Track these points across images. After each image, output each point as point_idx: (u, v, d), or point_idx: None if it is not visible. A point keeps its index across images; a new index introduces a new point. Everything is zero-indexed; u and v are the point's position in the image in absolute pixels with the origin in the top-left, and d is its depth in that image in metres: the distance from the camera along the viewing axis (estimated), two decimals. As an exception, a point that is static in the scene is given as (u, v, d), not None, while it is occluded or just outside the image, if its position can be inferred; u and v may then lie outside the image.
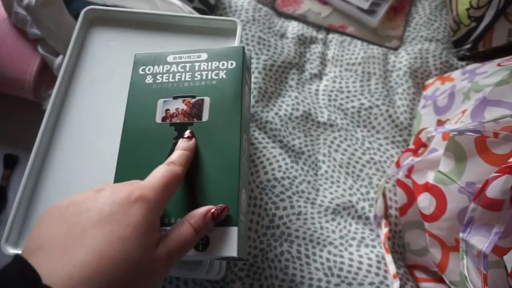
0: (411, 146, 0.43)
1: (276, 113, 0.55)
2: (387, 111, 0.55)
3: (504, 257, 0.30)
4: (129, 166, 0.31)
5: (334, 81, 0.58)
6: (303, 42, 0.61)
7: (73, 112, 0.38)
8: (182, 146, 0.30)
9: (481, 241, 0.34)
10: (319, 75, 0.59)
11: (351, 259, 0.47)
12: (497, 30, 0.53)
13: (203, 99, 0.33)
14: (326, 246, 0.48)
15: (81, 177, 0.36)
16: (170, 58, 0.34)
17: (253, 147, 0.53)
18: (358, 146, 0.54)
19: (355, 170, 0.52)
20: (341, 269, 0.46)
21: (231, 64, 0.33)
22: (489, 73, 0.44)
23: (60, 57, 0.49)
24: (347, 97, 0.57)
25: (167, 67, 0.34)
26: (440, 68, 0.57)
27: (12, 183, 0.52)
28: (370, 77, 0.58)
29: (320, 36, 0.62)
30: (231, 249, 0.28)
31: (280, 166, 0.52)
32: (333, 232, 0.49)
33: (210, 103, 0.32)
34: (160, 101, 0.33)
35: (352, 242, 0.48)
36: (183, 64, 0.34)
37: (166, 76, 0.33)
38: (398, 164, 0.44)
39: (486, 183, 0.33)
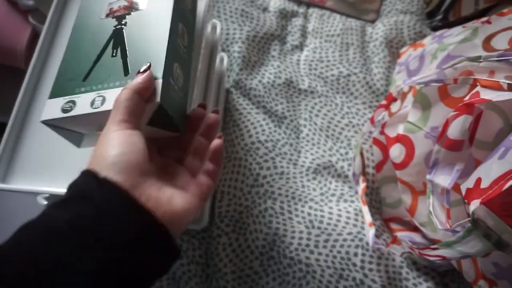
0: (383, 102, 0.46)
1: (260, 81, 0.58)
2: (364, 78, 0.58)
3: (461, 185, 0.33)
4: (74, 58, 0.33)
5: (314, 52, 0.61)
6: (285, 16, 0.64)
7: (53, 75, 0.41)
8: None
9: (445, 179, 0.37)
10: (300, 46, 0.62)
11: (330, 213, 0.49)
12: (465, 0, 0.57)
13: None
14: (307, 202, 0.51)
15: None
16: None
17: (237, 112, 0.56)
18: (337, 111, 0.57)
19: (334, 133, 0.55)
20: (321, 222, 0.49)
21: None
22: (454, 34, 0.47)
23: (50, 26, 0.51)
24: (327, 66, 0.60)
25: None
26: (414, 38, 0.61)
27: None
28: (348, 47, 0.61)
29: (301, 10, 0.65)
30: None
31: (263, 130, 0.54)
32: (314, 189, 0.52)
33: None
34: (107, 1, 0.36)
35: (331, 198, 0.51)
36: None
37: None
38: (372, 121, 0.47)
39: (447, 123, 0.36)
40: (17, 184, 0.36)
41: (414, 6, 0.63)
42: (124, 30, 0.34)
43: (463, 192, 0.32)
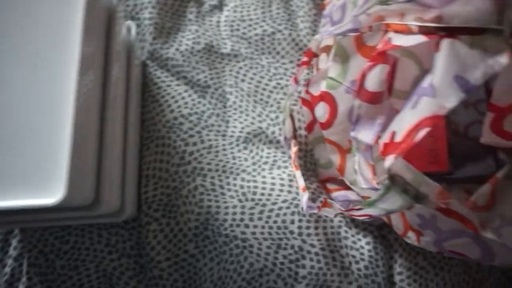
0: (304, 59, 0.42)
1: (177, 49, 0.52)
2: (290, 35, 0.54)
3: (379, 140, 0.31)
4: None
5: (235, 11, 0.56)
6: (199, -27, 0.57)
7: None
8: None
9: (367, 134, 0.35)
10: (219, 6, 0.57)
11: (264, 182, 0.47)
12: None
13: None
14: (239, 174, 0.48)
15: None
16: None
17: (156, 86, 0.50)
18: (264, 74, 0.53)
19: (263, 97, 0.52)
20: (254, 193, 0.46)
21: None
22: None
23: None
24: (249, 25, 0.55)
25: None
26: (339, -13, 0.57)
27: None
28: (271, 2, 0.56)
29: (217, -35, 0.58)
30: None
31: (186, 103, 0.50)
32: (246, 160, 0.49)
33: None
34: None
35: (264, 167, 0.48)
36: None
37: None
38: (295, 80, 0.44)
39: (362, 75, 0.33)
40: None
41: (336, -48, 0.59)
42: None
43: (381, 148, 0.30)
